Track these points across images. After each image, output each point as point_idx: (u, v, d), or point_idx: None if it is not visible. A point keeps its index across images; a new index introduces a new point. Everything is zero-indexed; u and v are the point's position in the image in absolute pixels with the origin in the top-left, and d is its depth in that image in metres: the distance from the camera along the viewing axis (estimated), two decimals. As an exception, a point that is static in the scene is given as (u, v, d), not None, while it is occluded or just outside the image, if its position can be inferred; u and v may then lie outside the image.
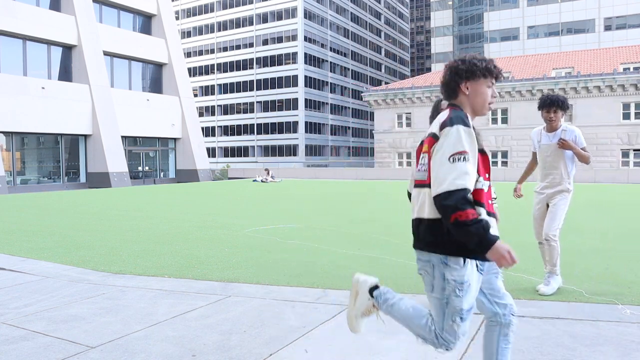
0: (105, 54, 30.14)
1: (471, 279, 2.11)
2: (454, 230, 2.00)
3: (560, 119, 4.44)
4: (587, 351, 3.16)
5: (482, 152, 2.17)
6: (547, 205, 4.58)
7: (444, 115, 2.17)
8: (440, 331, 2.18)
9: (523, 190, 4.90)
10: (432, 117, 3.87)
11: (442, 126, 2.10)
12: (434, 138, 2.14)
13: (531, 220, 4.78)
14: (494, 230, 2.08)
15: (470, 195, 2.01)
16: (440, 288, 2.13)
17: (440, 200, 2.00)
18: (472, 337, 3.44)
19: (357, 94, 78.40)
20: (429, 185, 2.12)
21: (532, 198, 4.76)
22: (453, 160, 2.00)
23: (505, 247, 1.96)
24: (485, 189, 2.16)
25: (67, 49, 28.65)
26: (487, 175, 2.19)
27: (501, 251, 1.95)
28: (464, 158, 2.01)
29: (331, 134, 74.17)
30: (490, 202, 2.20)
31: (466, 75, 2.20)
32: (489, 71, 2.20)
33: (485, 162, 2.18)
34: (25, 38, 26.28)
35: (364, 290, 2.47)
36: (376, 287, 2.46)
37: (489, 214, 2.15)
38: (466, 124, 2.08)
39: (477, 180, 2.10)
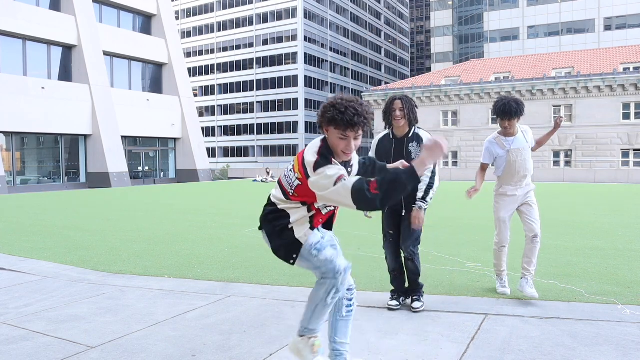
0: (105, 54, 30.13)
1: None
2: (386, 202, 2.20)
3: (515, 125, 4.33)
4: (587, 351, 3.16)
5: None
6: (514, 210, 4.43)
7: (315, 147, 2.41)
8: (322, 273, 2.49)
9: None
10: (385, 114, 4.04)
11: (316, 166, 2.33)
12: (303, 169, 2.38)
13: (495, 223, 4.46)
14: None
15: (362, 185, 2.21)
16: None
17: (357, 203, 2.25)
18: (472, 337, 3.44)
19: (357, 94, 78.29)
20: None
21: (493, 202, 4.48)
22: (335, 183, 2.27)
23: (422, 157, 2.20)
24: (324, 212, 2.48)
25: (67, 49, 28.65)
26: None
27: (427, 158, 2.21)
28: (343, 177, 2.26)
29: (331, 134, 74.12)
30: (320, 220, 2.54)
31: (326, 121, 2.35)
32: (335, 122, 2.31)
33: None
34: (25, 38, 26.28)
35: (296, 342, 2.66)
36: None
37: (313, 228, 2.48)
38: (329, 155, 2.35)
39: (321, 207, 2.42)
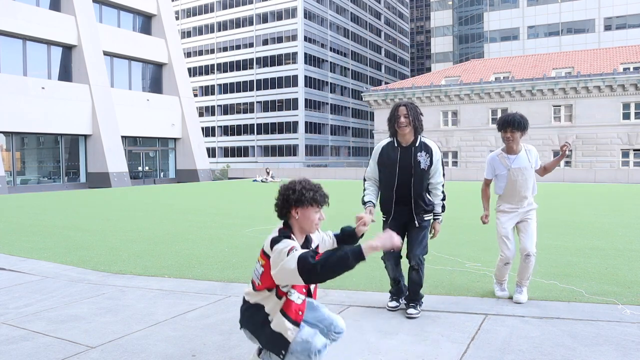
0: (105, 54, 30.13)
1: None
2: (327, 272, 2.32)
3: (518, 140, 4.28)
4: (587, 351, 3.16)
5: None
6: (515, 224, 4.41)
7: (274, 233, 2.54)
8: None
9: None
10: (390, 121, 3.93)
11: (272, 243, 2.46)
12: (265, 255, 2.49)
13: (498, 240, 4.43)
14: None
15: (307, 254, 2.33)
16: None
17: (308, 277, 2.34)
18: (472, 337, 3.44)
19: (357, 94, 78.38)
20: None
21: (495, 218, 4.47)
22: (288, 254, 2.36)
23: (371, 242, 2.29)
24: (299, 302, 2.54)
25: (67, 49, 28.65)
26: (304, 290, 2.57)
27: (376, 244, 2.30)
28: (294, 249, 2.38)
29: (331, 134, 74.16)
30: (300, 313, 2.54)
31: (295, 203, 2.52)
32: (316, 201, 2.53)
33: None
34: (25, 38, 26.28)
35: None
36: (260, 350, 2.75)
37: (295, 322, 2.49)
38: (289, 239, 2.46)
39: (289, 292, 2.48)
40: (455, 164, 41.98)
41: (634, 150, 36.34)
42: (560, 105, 38.43)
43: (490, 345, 3.28)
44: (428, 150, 3.90)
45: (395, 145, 3.96)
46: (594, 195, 17.45)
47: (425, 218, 3.98)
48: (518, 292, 4.33)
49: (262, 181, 29.80)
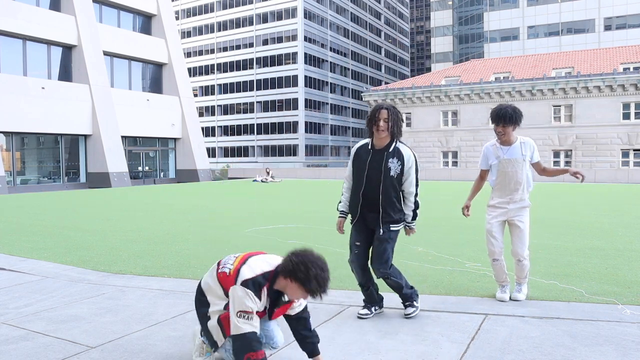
0: (105, 54, 30.13)
1: None
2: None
3: (511, 134, 4.20)
4: (587, 351, 3.16)
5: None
6: (504, 221, 4.31)
7: (255, 272, 2.67)
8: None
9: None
10: (369, 122, 3.86)
11: (243, 282, 2.62)
12: (231, 280, 2.69)
13: (485, 236, 4.39)
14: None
15: (251, 340, 2.56)
16: None
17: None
18: (472, 337, 3.44)
19: (357, 94, 78.37)
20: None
21: (485, 214, 4.40)
22: (238, 315, 2.60)
23: None
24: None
25: (67, 49, 28.64)
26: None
27: None
28: (249, 316, 2.59)
29: (331, 134, 74.17)
30: None
31: (297, 279, 2.57)
32: (313, 293, 2.57)
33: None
34: (25, 38, 26.28)
35: (196, 335, 3.05)
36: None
37: (225, 336, 2.77)
38: (256, 289, 2.61)
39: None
40: (455, 164, 41.98)
41: (634, 150, 36.34)
42: (560, 105, 38.44)
43: (490, 345, 3.28)
44: (400, 157, 3.74)
45: (369, 147, 3.84)
46: (594, 195, 17.45)
47: (392, 228, 3.78)
48: (517, 291, 4.37)
49: (262, 181, 29.80)
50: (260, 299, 2.62)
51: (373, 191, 3.75)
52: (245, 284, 2.60)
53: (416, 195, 3.85)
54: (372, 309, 3.96)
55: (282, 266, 2.64)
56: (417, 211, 3.90)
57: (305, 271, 2.54)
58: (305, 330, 2.84)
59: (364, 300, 4.01)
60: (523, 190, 4.24)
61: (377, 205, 3.76)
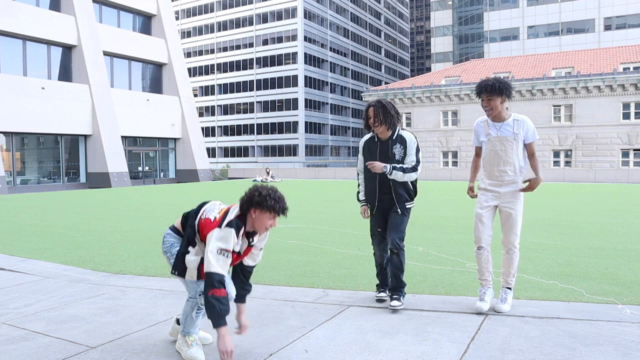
0: (105, 54, 30.14)
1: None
2: (207, 303, 2.82)
3: (498, 107, 3.81)
4: (587, 351, 3.16)
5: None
6: (495, 207, 4.02)
7: (233, 214, 2.99)
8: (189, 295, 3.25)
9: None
10: (364, 120, 4.21)
11: (226, 223, 2.93)
12: (216, 221, 2.98)
13: (473, 221, 4.10)
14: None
15: (220, 277, 2.84)
16: None
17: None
18: (472, 337, 3.44)
19: (357, 94, 78.40)
20: None
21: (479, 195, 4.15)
22: (218, 252, 2.88)
23: (222, 336, 2.82)
24: None
25: (67, 49, 28.65)
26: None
27: (221, 342, 2.83)
28: (225, 252, 2.89)
29: (331, 134, 74.18)
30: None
31: (256, 205, 2.93)
32: (274, 209, 2.93)
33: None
34: (25, 38, 26.29)
35: (178, 340, 3.25)
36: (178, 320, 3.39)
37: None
38: (237, 228, 2.92)
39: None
40: (455, 164, 41.98)
41: (634, 150, 36.34)
42: (560, 105, 38.44)
43: (490, 345, 3.28)
44: (403, 142, 4.13)
45: (376, 140, 4.23)
46: (594, 195, 17.45)
47: (407, 206, 4.17)
48: (501, 300, 3.98)
49: (262, 181, 29.82)
50: (238, 238, 2.94)
51: (385, 177, 4.14)
52: (229, 224, 2.92)
53: (415, 169, 4.09)
54: (387, 291, 4.28)
55: (241, 205, 2.99)
56: (408, 171, 4.07)
57: (259, 194, 2.93)
58: (246, 278, 3.24)
59: (377, 285, 4.40)
60: (515, 172, 3.92)
61: (389, 187, 4.16)
